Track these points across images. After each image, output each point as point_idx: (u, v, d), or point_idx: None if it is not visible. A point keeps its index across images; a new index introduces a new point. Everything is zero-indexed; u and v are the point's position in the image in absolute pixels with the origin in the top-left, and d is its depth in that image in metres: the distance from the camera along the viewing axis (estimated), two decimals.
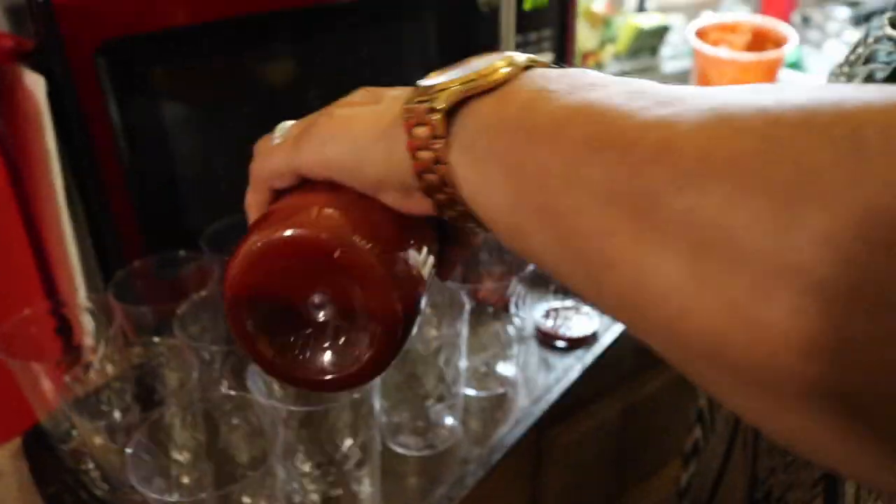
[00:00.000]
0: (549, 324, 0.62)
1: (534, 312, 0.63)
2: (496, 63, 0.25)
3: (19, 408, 0.52)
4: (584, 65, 1.08)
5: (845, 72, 0.43)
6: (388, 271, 0.26)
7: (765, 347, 0.17)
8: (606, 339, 0.60)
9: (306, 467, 0.46)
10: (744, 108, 0.19)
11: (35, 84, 0.49)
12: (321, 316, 0.28)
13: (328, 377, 0.28)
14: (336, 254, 0.26)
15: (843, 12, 1.27)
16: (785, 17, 1.34)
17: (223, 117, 0.57)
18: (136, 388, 0.50)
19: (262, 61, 0.57)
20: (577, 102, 0.23)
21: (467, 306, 0.49)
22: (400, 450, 0.51)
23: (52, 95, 0.49)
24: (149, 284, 0.54)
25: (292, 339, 0.28)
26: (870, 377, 0.16)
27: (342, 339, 0.28)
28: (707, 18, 0.88)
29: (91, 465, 0.49)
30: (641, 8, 1.30)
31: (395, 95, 0.28)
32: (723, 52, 0.85)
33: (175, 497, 0.42)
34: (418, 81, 0.26)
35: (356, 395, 0.43)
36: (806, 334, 0.16)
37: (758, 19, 0.88)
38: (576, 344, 0.60)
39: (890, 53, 0.40)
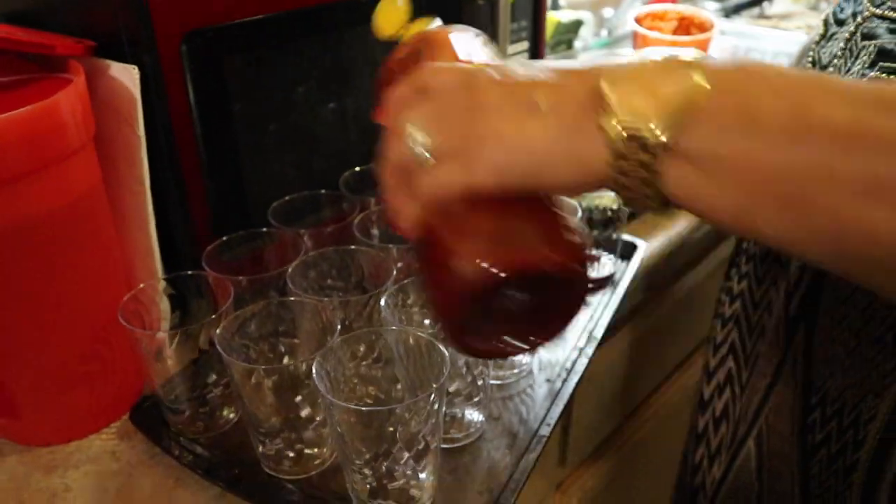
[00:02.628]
0: None
1: None
2: (693, 80, 0.27)
3: (119, 389, 0.55)
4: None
5: (848, 48, 0.50)
6: (585, 270, 0.31)
7: None
8: (625, 280, 0.70)
9: None
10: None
11: (124, 74, 0.51)
12: (524, 310, 0.33)
13: (524, 348, 0.34)
14: (553, 273, 0.30)
15: (712, 6, 1.44)
16: None
17: (285, 102, 0.62)
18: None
19: (324, 49, 0.62)
20: (793, 100, 0.26)
21: None
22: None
23: (143, 84, 0.52)
24: (232, 259, 0.58)
25: (497, 332, 0.34)
26: None
27: (537, 325, 0.33)
28: (642, 7, 1.01)
29: (201, 429, 0.53)
30: (555, 6, 1.44)
31: (559, 96, 0.29)
32: (663, 36, 0.98)
33: None
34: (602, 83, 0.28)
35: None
36: None
37: (681, 7, 1.03)
38: (599, 284, 0.69)
39: (890, 29, 0.47)
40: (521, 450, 0.51)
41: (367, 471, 0.44)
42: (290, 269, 0.53)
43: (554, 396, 0.55)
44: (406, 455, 0.44)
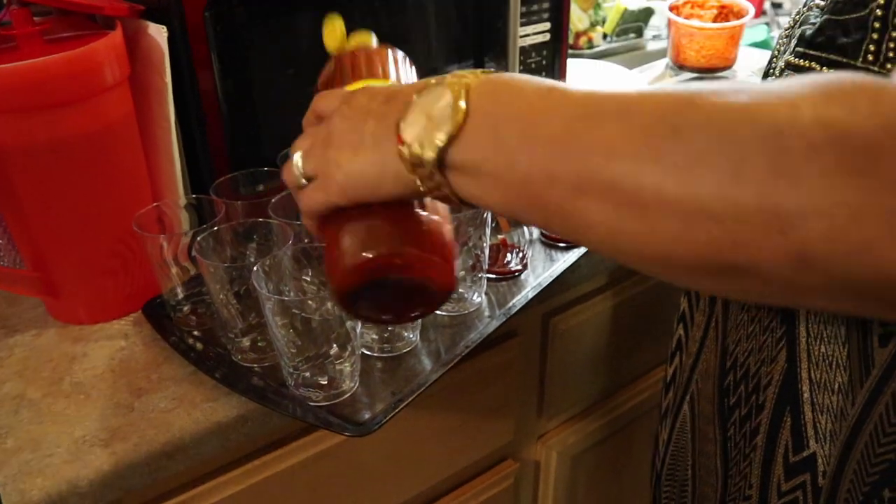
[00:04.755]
0: None
1: None
2: (456, 105, 0.34)
3: (138, 288, 0.68)
4: (576, 43, 1.23)
5: (787, 34, 0.54)
6: (443, 259, 0.38)
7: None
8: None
9: None
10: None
11: (158, 33, 0.64)
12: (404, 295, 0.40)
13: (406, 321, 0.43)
14: (411, 268, 0.37)
15: None
16: (758, 4, 1.50)
17: (295, 63, 0.72)
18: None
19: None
20: (534, 123, 0.32)
21: None
22: (440, 312, 0.66)
23: (170, 42, 0.64)
24: (250, 194, 0.69)
25: (385, 308, 0.41)
26: None
27: (421, 300, 0.40)
28: None
29: (194, 324, 0.64)
30: None
31: (383, 135, 0.37)
32: (694, 23, 1.01)
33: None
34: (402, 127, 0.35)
35: None
36: None
37: None
38: (573, 244, 0.75)
39: (816, 17, 0.49)
40: (440, 365, 0.58)
41: (295, 359, 0.54)
42: (273, 200, 0.63)
43: (483, 328, 0.62)
44: (324, 347, 0.53)
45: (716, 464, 0.58)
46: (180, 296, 0.65)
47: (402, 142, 0.35)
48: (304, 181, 0.41)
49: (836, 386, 0.45)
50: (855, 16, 0.45)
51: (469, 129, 0.34)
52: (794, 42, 0.51)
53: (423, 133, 0.34)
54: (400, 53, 0.50)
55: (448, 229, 0.40)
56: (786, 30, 0.56)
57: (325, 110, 0.43)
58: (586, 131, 0.31)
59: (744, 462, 0.55)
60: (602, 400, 0.92)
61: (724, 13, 1.03)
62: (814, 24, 0.49)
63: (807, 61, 0.48)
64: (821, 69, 0.47)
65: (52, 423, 0.54)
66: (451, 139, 0.34)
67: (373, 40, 0.51)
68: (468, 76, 0.35)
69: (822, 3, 0.50)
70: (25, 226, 0.63)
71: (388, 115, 0.37)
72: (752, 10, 1.03)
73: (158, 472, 0.53)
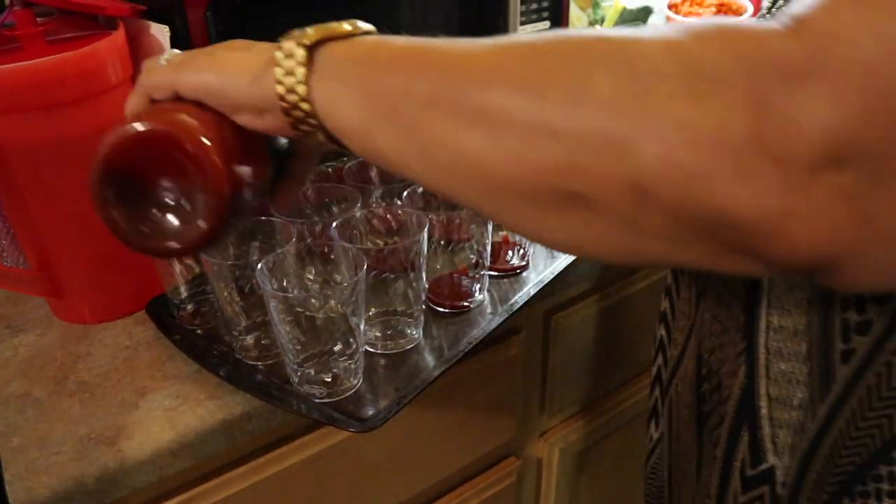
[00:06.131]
0: None
1: None
2: (345, 24, 0.36)
3: (141, 287, 0.68)
4: None
5: (770, 11, 0.56)
6: (224, 165, 0.35)
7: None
8: None
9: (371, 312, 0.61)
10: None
11: (160, 33, 0.64)
12: (169, 197, 0.37)
13: (171, 245, 0.37)
14: (187, 146, 0.35)
15: None
16: (756, 3, 1.50)
17: None
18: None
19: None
20: (407, 45, 0.33)
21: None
22: (440, 309, 0.66)
23: (173, 41, 0.65)
24: None
25: (144, 213, 0.37)
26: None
27: (183, 216, 0.36)
28: None
29: (197, 323, 0.64)
30: None
31: (265, 46, 0.38)
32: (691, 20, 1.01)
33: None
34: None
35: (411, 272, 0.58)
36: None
37: None
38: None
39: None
40: (443, 361, 0.59)
41: (299, 356, 0.54)
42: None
43: (486, 325, 0.63)
44: (328, 344, 0.54)
45: (692, 469, 0.58)
46: (184, 294, 0.65)
47: (279, 48, 0.36)
48: (162, 62, 0.40)
49: (796, 402, 0.44)
50: None
51: (336, 43, 0.35)
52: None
53: (297, 36, 0.36)
54: None
55: (258, 165, 0.39)
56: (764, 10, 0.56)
57: (159, 82, 0.40)
58: (447, 49, 0.32)
59: (709, 475, 0.54)
60: (604, 397, 0.93)
61: (723, 11, 1.04)
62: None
63: None
64: None
65: (57, 422, 0.55)
66: (321, 42, 0.35)
67: None
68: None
69: None
70: (30, 225, 0.63)
71: (270, 46, 0.38)
72: (750, 8, 1.03)
73: (164, 470, 0.53)
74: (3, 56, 0.60)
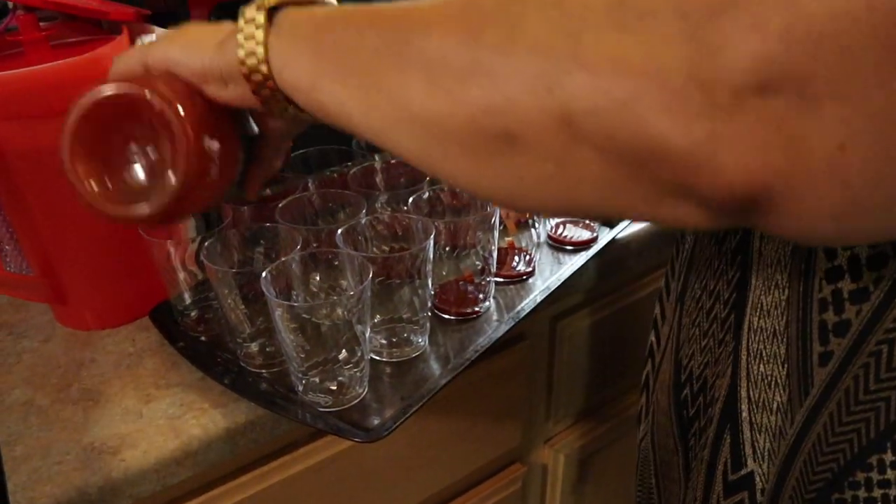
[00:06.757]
0: (559, 233, 0.76)
1: (547, 226, 0.78)
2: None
3: (145, 294, 0.67)
4: None
5: None
6: (192, 126, 0.36)
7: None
8: (603, 242, 0.75)
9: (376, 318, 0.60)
10: None
11: None
12: (140, 162, 0.38)
13: (141, 208, 0.38)
14: (153, 102, 0.36)
15: None
16: None
17: None
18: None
19: None
20: (364, 7, 0.34)
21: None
22: (445, 316, 0.66)
23: None
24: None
25: (114, 177, 0.38)
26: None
27: (153, 178, 0.37)
28: None
29: (201, 330, 0.64)
30: None
31: (230, 24, 0.39)
32: None
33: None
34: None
35: (417, 270, 0.57)
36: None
37: None
38: (580, 246, 0.75)
39: None
40: (449, 370, 0.58)
41: (304, 364, 0.54)
42: (280, 204, 0.63)
43: (492, 332, 0.62)
44: (333, 352, 0.53)
45: (679, 474, 0.57)
46: (188, 301, 0.65)
47: (241, 15, 0.37)
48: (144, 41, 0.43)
49: (775, 405, 0.44)
50: None
51: (295, 7, 0.37)
52: None
53: (259, 2, 0.37)
54: None
55: (227, 142, 0.39)
56: None
57: (130, 62, 0.42)
58: (399, 6, 0.33)
59: (696, 476, 0.54)
60: (609, 403, 0.92)
61: None
62: None
63: None
64: None
65: (60, 430, 0.54)
66: (281, 5, 0.36)
67: None
68: None
69: None
70: (33, 232, 0.63)
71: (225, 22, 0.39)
72: None
73: (167, 479, 0.53)
74: (6, 61, 0.59)
